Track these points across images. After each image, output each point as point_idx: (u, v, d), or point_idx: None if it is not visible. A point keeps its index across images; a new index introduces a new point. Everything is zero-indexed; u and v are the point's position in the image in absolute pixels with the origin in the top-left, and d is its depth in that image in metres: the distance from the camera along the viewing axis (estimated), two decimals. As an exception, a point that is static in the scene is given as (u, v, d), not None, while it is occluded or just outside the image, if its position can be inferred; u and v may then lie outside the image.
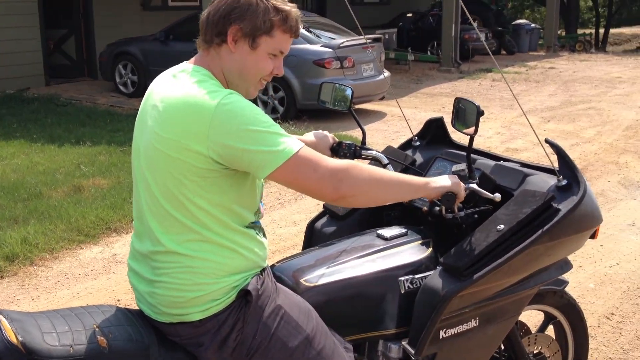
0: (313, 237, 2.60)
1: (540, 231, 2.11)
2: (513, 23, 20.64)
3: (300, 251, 2.43)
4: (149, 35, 11.18)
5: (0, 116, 9.17)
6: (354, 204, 1.94)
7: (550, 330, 2.75)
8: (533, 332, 2.73)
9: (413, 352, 2.05)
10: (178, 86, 1.82)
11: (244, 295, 1.84)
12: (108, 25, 12.76)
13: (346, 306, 2.10)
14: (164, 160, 1.78)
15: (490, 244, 2.08)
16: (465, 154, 2.32)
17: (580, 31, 26.70)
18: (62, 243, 4.93)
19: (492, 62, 15.52)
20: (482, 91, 12.37)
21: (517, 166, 2.45)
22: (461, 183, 2.09)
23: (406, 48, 15.70)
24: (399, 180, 1.93)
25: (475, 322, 2.14)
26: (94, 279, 4.45)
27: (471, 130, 2.19)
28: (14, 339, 1.69)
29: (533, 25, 20.68)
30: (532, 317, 3.34)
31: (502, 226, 2.11)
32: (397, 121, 9.62)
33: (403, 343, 2.10)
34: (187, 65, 1.91)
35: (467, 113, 2.24)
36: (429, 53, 16.94)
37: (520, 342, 2.49)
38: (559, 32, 21.81)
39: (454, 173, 2.22)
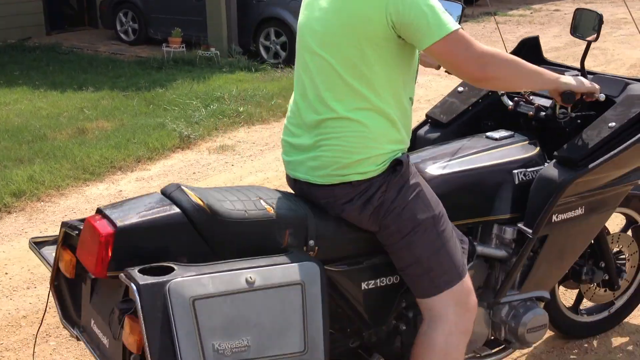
0: (416, 143, 2.76)
1: None
2: (518, -33, 20.28)
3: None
4: (148, -17, 11.03)
5: (2, 64, 9.13)
6: (494, 86, 2.30)
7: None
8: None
9: (530, 231, 2.32)
10: None
11: (395, 165, 2.06)
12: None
13: (465, 195, 2.34)
14: (347, 33, 2.00)
15: (604, 139, 2.34)
16: (561, 69, 2.56)
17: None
18: (68, 181, 4.98)
19: (496, 5, 15.35)
20: (486, 34, 12.24)
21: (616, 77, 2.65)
22: (585, 82, 2.29)
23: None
24: (535, 71, 2.16)
25: (582, 211, 2.41)
26: (100, 213, 4.50)
27: (592, 37, 2.41)
28: (200, 202, 1.89)
29: (538, -31, 20.30)
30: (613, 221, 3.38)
31: (614, 124, 2.36)
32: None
33: (519, 225, 2.36)
34: None
35: (586, 22, 2.46)
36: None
37: (605, 237, 2.76)
38: (564, -24, 21.41)
39: None
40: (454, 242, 2.14)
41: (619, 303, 3.04)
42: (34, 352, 2.79)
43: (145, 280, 1.71)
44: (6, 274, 3.73)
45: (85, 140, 5.85)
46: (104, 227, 1.83)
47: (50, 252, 2.35)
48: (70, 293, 2.21)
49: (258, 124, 6.51)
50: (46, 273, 3.72)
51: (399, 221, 2.06)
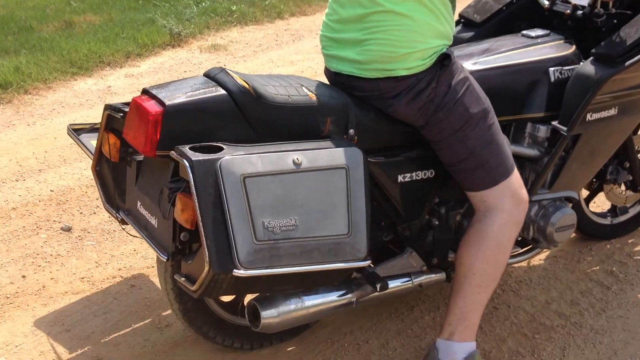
0: None
1: None
2: None
3: None
4: None
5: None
6: None
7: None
8: None
9: (565, 129, 2.34)
10: None
11: (442, 60, 2.04)
12: None
13: (500, 92, 2.31)
14: None
15: None
16: None
17: None
18: (55, 74, 4.85)
19: None
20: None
21: None
22: None
23: None
24: None
25: (615, 111, 2.42)
26: (89, 108, 4.41)
27: None
28: (245, 84, 1.89)
29: None
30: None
31: None
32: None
33: (553, 123, 2.37)
34: None
35: None
36: None
37: (632, 139, 2.77)
38: None
39: None
40: (502, 136, 2.16)
41: (621, 218, 3.07)
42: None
43: (197, 156, 1.71)
44: (-6, 166, 3.67)
45: (72, 33, 5.68)
46: (152, 107, 1.82)
47: (88, 138, 2.36)
48: (113, 177, 2.21)
49: (251, 24, 6.34)
50: (35, 166, 3.67)
51: (450, 116, 2.05)
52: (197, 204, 1.67)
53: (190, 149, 1.75)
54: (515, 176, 2.16)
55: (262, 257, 1.72)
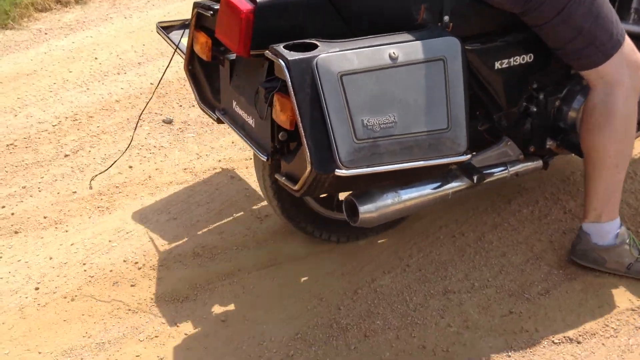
0: None
1: None
2: None
3: None
4: None
5: None
6: None
7: None
8: None
9: None
10: None
11: None
12: None
13: None
14: None
15: None
16: None
17: None
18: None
19: None
20: None
21: None
22: None
23: None
24: None
25: None
26: (183, 0, 4.43)
27: None
28: None
29: None
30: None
31: None
32: None
33: None
34: None
35: None
36: None
37: None
38: None
39: None
40: (607, 5, 2.04)
41: None
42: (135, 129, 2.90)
43: (293, 55, 1.68)
44: (96, 59, 3.77)
45: None
46: (243, 4, 1.77)
47: (178, 36, 2.33)
48: (207, 76, 2.21)
49: None
50: (134, 59, 3.75)
51: None
52: (295, 104, 1.66)
53: (285, 47, 1.71)
54: (627, 43, 2.06)
55: (362, 156, 1.72)
